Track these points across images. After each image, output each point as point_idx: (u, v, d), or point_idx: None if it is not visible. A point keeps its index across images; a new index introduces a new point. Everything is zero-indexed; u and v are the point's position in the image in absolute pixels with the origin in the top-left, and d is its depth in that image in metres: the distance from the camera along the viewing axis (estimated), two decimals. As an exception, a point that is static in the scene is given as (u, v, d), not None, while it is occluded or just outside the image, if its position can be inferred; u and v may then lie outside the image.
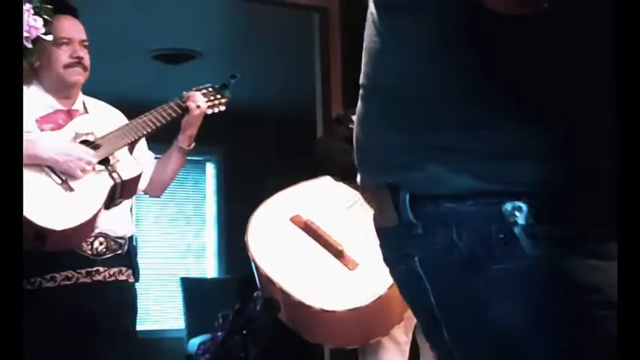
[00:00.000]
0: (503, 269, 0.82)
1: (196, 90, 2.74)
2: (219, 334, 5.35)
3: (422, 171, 0.88)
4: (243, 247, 2.48)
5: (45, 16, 2.77)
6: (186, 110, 2.66)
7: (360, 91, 1.00)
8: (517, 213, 0.81)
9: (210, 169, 7.48)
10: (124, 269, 2.58)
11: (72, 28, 2.58)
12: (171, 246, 7.21)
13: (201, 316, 6.32)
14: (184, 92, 2.72)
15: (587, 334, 0.82)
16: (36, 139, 2.39)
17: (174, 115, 2.66)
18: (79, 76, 2.56)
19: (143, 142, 2.76)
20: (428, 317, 0.93)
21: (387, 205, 0.92)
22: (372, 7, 0.97)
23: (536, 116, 0.85)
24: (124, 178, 2.46)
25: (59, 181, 2.36)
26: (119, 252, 2.56)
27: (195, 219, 7.40)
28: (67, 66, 2.53)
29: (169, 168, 2.74)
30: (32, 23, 2.66)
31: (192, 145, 2.73)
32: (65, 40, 2.54)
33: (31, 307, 2.40)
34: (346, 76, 4.11)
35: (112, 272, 2.53)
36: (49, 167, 2.37)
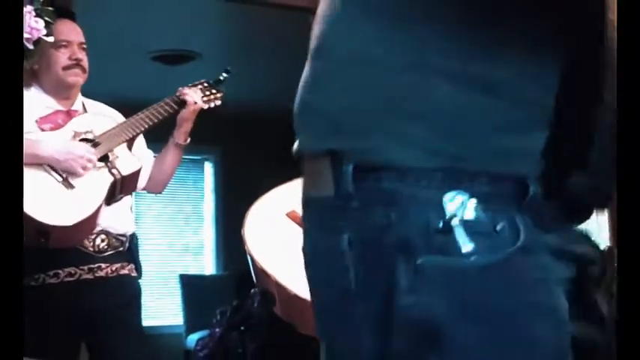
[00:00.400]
0: (434, 260, 0.80)
1: (192, 86, 2.75)
2: (217, 330, 5.34)
3: (368, 138, 0.83)
4: (241, 244, 2.49)
5: (46, 18, 2.78)
6: (182, 106, 2.67)
7: (311, 54, 0.94)
8: (458, 205, 0.79)
9: (209, 168, 7.48)
10: (125, 264, 2.59)
11: (70, 31, 2.60)
12: (170, 244, 7.22)
13: (199, 313, 6.32)
14: (179, 88, 2.72)
15: (509, 329, 0.81)
16: (36, 139, 2.40)
17: (170, 111, 2.66)
18: (77, 77, 2.58)
19: (142, 140, 2.77)
20: (340, 296, 0.88)
21: (324, 174, 0.86)
22: None
23: (508, 87, 0.82)
24: (124, 173, 2.48)
25: (60, 179, 2.37)
26: (120, 249, 2.58)
27: (194, 217, 7.40)
28: (66, 67, 2.55)
29: (167, 164, 2.76)
30: (34, 25, 2.67)
31: (188, 140, 2.74)
32: (64, 43, 2.55)
33: (35, 303, 2.42)
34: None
35: (114, 268, 2.55)
36: (50, 166, 2.39)
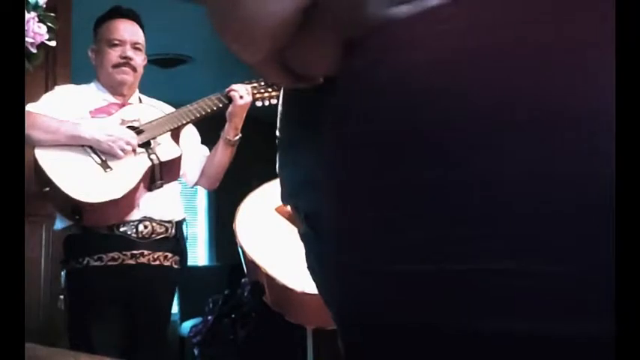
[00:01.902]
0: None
1: (247, 83, 2.70)
2: (210, 317, 5.34)
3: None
4: (232, 237, 2.48)
5: (49, 24, 2.76)
6: (230, 101, 2.63)
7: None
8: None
9: (202, 165, 7.47)
10: (169, 255, 2.55)
11: (125, 30, 2.57)
12: (165, 236, 7.19)
13: (193, 301, 6.31)
14: (232, 85, 2.67)
15: None
16: (80, 122, 2.39)
17: (219, 105, 2.62)
18: (125, 75, 2.57)
19: (197, 136, 2.74)
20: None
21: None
22: None
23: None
24: (162, 159, 2.44)
25: (99, 161, 2.35)
26: (165, 235, 2.52)
27: (188, 211, 7.36)
28: (116, 66, 2.54)
29: (217, 160, 2.73)
30: (36, 30, 2.65)
31: (239, 136, 2.69)
32: (116, 42, 2.54)
33: (77, 284, 2.43)
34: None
35: (156, 256, 2.50)
36: (91, 148, 2.36)
